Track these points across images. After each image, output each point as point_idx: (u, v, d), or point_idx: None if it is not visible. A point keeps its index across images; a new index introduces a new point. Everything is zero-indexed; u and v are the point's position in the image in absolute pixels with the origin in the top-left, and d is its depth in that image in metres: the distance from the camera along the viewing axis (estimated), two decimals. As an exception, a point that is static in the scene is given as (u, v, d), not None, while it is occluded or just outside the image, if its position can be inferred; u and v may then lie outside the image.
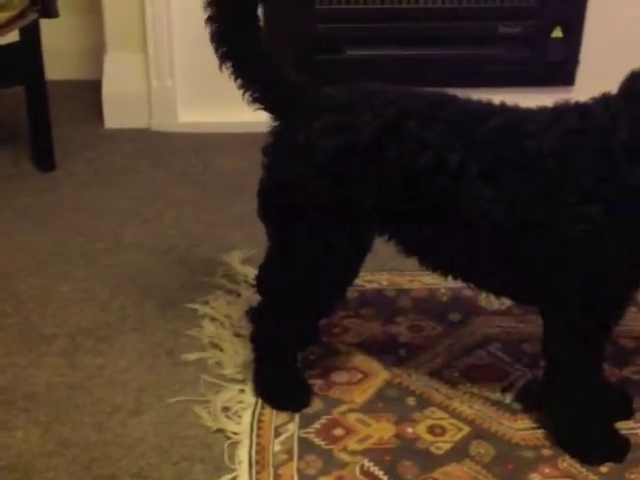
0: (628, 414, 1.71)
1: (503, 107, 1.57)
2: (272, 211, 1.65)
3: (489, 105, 1.58)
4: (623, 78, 1.45)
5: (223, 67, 1.61)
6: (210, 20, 1.57)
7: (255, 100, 1.63)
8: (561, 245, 1.49)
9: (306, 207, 1.58)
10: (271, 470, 1.59)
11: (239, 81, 1.62)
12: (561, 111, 1.52)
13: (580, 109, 1.51)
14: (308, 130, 1.57)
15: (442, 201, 1.54)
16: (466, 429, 1.69)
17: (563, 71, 2.80)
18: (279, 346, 1.73)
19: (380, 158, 1.55)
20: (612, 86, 1.47)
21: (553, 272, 1.53)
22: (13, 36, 2.46)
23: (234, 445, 1.65)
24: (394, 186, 1.56)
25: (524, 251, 1.53)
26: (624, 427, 1.69)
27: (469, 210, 1.52)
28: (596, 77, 2.71)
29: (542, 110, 1.54)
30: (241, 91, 1.63)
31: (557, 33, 2.77)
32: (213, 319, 1.98)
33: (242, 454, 1.63)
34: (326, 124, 1.56)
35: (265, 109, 1.65)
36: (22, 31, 2.46)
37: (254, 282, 1.91)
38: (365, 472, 1.60)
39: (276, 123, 1.64)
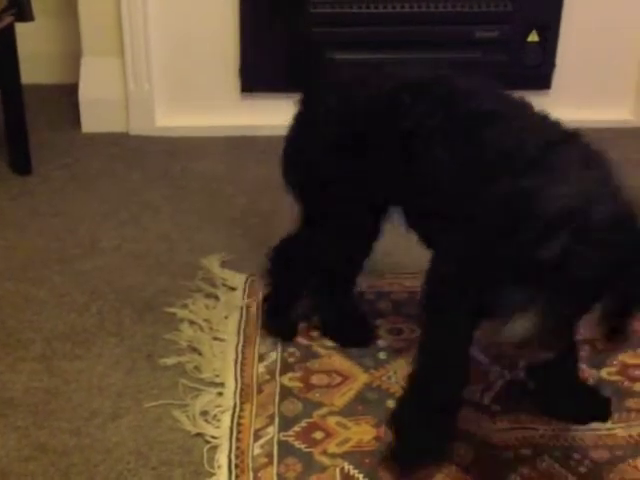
0: (605, 415, 1.72)
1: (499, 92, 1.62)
2: (301, 185, 1.77)
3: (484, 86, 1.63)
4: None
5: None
6: None
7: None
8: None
9: (332, 178, 1.71)
10: (251, 474, 1.59)
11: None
12: (538, 113, 1.55)
13: (549, 118, 1.53)
14: (324, 105, 1.71)
15: (413, 162, 1.61)
16: (445, 431, 1.69)
17: (539, 74, 2.82)
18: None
19: (382, 125, 1.64)
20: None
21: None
22: (-12, 40, 2.44)
23: (213, 449, 1.65)
24: (388, 150, 1.63)
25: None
26: (603, 428, 1.70)
27: (427, 169, 1.58)
28: (572, 80, 2.75)
29: (529, 107, 1.57)
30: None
31: (533, 37, 2.79)
32: (192, 323, 1.97)
33: (221, 458, 1.62)
34: (337, 99, 1.70)
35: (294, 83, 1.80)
36: (-3, 35, 2.44)
37: (271, 254, 1.90)
38: (345, 475, 1.60)
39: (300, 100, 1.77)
